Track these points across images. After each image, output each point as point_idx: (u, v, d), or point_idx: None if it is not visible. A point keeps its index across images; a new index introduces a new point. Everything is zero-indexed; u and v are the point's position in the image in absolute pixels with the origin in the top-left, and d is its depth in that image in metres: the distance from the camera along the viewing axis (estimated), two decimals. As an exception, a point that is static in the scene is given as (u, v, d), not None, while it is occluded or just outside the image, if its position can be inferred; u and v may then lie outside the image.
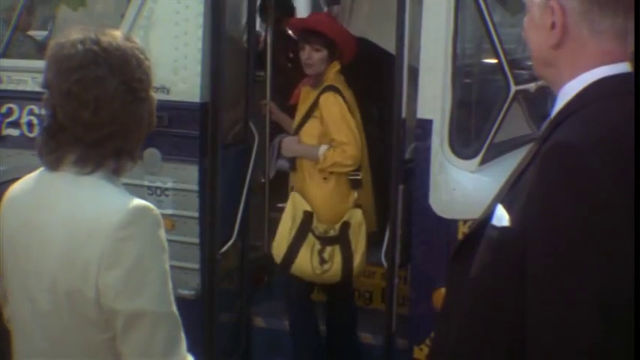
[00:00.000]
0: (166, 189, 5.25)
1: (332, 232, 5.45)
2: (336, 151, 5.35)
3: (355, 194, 5.52)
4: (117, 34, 2.44)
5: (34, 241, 2.37)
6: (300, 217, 5.48)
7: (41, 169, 2.48)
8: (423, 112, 4.73)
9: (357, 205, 5.53)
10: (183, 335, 2.38)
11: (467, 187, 4.66)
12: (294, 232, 5.48)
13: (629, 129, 1.91)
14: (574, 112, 2.01)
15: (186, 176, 5.22)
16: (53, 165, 2.40)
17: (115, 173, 2.42)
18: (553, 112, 2.09)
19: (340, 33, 5.66)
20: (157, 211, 2.37)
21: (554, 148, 1.92)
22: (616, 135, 1.91)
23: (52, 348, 2.38)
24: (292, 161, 5.66)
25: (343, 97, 5.45)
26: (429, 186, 4.70)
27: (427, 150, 4.70)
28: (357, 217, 5.48)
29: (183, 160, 5.19)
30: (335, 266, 5.41)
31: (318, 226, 5.46)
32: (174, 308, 2.36)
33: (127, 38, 2.45)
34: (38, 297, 2.36)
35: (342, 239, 5.45)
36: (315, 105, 5.48)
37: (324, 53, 5.51)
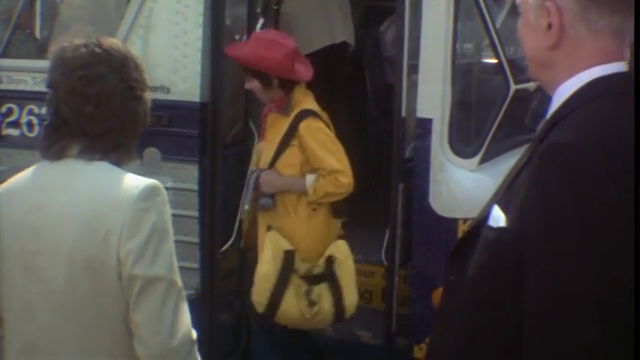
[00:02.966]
0: (166, 188, 5.20)
1: (317, 270, 4.96)
2: (327, 179, 4.86)
3: (339, 223, 5.10)
4: (115, 40, 2.75)
5: (47, 221, 2.57)
6: (280, 257, 4.92)
7: (36, 164, 2.70)
8: (422, 111, 4.73)
9: (339, 237, 5.08)
10: (187, 308, 2.62)
11: (467, 186, 4.66)
12: (275, 275, 4.90)
13: (626, 128, 1.91)
14: (570, 113, 2.01)
15: (185, 176, 5.22)
16: (56, 155, 2.64)
17: (117, 165, 2.66)
18: (548, 113, 2.09)
19: (260, 60, 4.93)
20: (164, 190, 2.70)
21: (550, 148, 1.92)
22: (613, 135, 1.91)
23: (65, 325, 2.56)
24: (272, 197, 5.03)
25: (322, 120, 5.02)
26: (429, 185, 4.71)
27: (427, 149, 4.70)
28: (342, 250, 5.02)
29: (183, 159, 5.20)
30: (326, 307, 4.94)
31: (301, 266, 4.94)
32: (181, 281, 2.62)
33: (124, 45, 2.78)
34: (51, 275, 2.55)
35: (329, 276, 4.97)
36: (291, 133, 4.94)
37: (255, 83, 5.00)
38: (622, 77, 2.04)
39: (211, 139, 5.14)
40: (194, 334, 2.62)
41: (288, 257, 4.91)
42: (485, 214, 2.10)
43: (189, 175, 5.23)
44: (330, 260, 4.97)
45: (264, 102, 5.13)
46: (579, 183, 1.86)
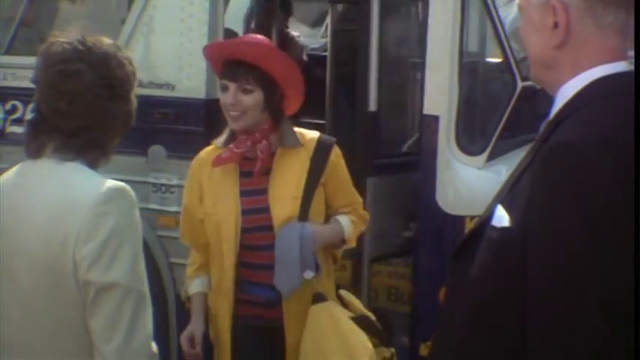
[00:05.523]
0: (171, 186, 5.24)
1: (377, 324, 4.02)
2: (357, 217, 3.98)
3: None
4: (105, 40, 2.67)
5: (20, 223, 2.53)
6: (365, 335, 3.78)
7: (20, 163, 2.67)
8: (429, 108, 4.71)
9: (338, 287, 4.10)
10: (150, 316, 2.52)
11: (473, 184, 4.65)
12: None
13: (629, 129, 1.90)
14: (574, 112, 2.00)
15: (191, 173, 5.20)
16: (35, 153, 2.59)
17: (91, 166, 2.59)
18: (552, 113, 2.08)
19: (284, 67, 3.80)
20: (133, 193, 2.55)
21: (555, 148, 1.92)
22: (617, 135, 1.90)
23: (32, 326, 2.52)
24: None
25: None
26: (436, 182, 4.69)
27: (434, 146, 4.69)
28: (346, 293, 4.13)
29: (189, 156, 5.17)
30: None
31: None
32: (146, 288, 2.52)
33: (115, 45, 2.70)
34: (20, 276, 2.51)
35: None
36: (321, 166, 3.82)
37: (258, 96, 3.71)
38: (625, 77, 2.03)
39: (217, 136, 5.12)
40: (154, 346, 2.54)
41: (373, 326, 3.93)
42: (489, 215, 2.09)
43: (195, 172, 5.22)
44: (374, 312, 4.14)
45: (239, 129, 3.79)
46: (585, 183, 1.85)
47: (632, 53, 2.07)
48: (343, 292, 4.04)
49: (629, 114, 1.93)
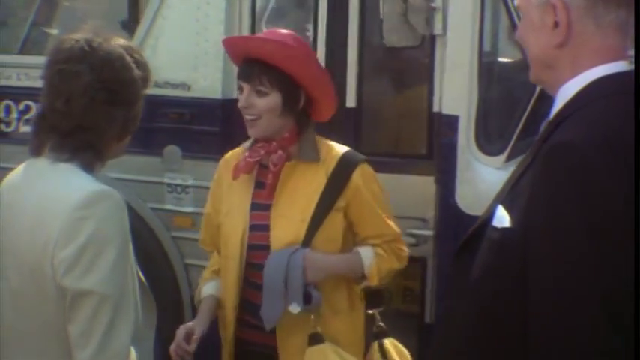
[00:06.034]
0: (187, 186, 5.22)
1: None
2: (389, 251, 3.44)
3: (376, 314, 3.54)
4: (117, 40, 2.64)
5: (13, 220, 2.54)
6: None
7: (26, 161, 2.67)
8: (449, 108, 4.67)
9: (382, 333, 3.52)
10: (130, 323, 2.48)
11: (493, 184, 4.59)
12: None
13: (629, 128, 1.90)
14: (575, 112, 2.00)
15: (206, 173, 5.15)
16: (36, 151, 2.58)
17: (86, 168, 2.55)
18: (552, 113, 2.08)
19: (307, 67, 3.37)
20: (120, 197, 2.50)
21: (556, 148, 1.92)
22: (617, 135, 1.90)
23: (21, 326, 2.53)
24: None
25: None
26: (456, 183, 4.65)
27: (453, 147, 4.65)
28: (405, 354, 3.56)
29: (204, 157, 5.17)
30: None
31: None
32: (127, 296, 2.48)
33: (127, 46, 2.64)
34: (10, 274, 2.52)
35: None
36: (339, 187, 3.34)
37: (275, 99, 3.32)
38: (626, 76, 2.03)
39: (232, 135, 5.09)
40: (133, 354, 2.52)
41: None
42: (489, 215, 2.09)
43: (210, 172, 5.17)
44: None
45: (258, 137, 3.43)
46: (586, 183, 1.85)
47: (632, 52, 2.07)
48: (388, 342, 3.50)
49: (630, 113, 1.93)
